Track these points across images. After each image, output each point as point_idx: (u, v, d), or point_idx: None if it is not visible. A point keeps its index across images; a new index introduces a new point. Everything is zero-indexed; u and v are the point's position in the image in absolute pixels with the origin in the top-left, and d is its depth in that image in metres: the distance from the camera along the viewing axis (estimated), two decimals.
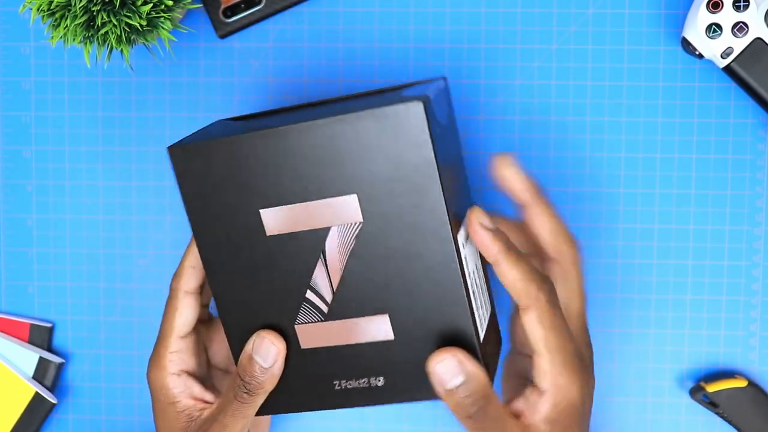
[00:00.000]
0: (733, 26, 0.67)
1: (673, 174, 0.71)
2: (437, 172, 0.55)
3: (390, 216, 0.57)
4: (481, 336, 0.58)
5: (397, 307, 0.58)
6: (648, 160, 0.71)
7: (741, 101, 0.71)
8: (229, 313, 0.61)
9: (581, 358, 0.58)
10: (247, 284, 0.60)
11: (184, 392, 0.63)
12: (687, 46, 0.68)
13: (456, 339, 0.57)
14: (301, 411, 0.61)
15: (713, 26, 0.67)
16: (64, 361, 0.74)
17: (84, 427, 0.74)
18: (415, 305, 0.58)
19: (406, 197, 0.56)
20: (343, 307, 0.59)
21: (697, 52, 0.68)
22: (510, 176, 0.60)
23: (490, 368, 0.59)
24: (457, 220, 0.57)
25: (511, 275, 0.56)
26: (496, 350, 0.62)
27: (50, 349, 0.74)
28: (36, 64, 0.73)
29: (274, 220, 0.59)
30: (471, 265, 0.59)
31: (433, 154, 0.55)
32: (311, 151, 0.57)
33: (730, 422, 0.70)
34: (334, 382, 0.59)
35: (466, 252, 0.58)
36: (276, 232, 0.59)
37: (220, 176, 0.59)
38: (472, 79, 0.72)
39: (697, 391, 0.70)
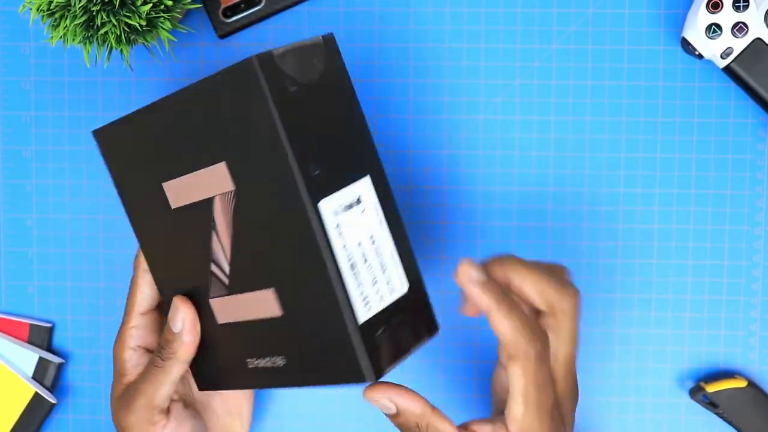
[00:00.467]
0: (733, 26, 0.67)
1: (673, 174, 0.71)
2: (281, 131, 0.51)
3: (255, 182, 0.53)
4: (366, 316, 0.53)
5: (281, 280, 0.54)
6: (648, 160, 0.71)
7: (741, 101, 0.71)
8: (162, 287, 0.63)
9: (558, 416, 0.59)
10: (170, 259, 0.61)
11: (137, 367, 0.64)
12: (687, 46, 0.68)
13: (328, 316, 0.53)
14: (226, 389, 0.61)
15: (713, 26, 0.67)
16: (63, 361, 0.74)
17: (84, 427, 0.74)
18: (295, 278, 0.53)
19: (261, 161, 0.52)
20: (238, 280, 0.57)
21: (696, 52, 0.68)
22: (469, 289, 0.57)
23: (385, 354, 0.54)
24: (328, 183, 0.53)
25: (503, 327, 0.56)
26: (416, 333, 0.57)
27: (50, 349, 0.74)
28: (36, 63, 0.73)
29: (174, 192, 0.58)
30: (352, 237, 0.53)
31: (273, 112, 0.51)
32: (185, 122, 0.55)
33: (729, 422, 0.70)
34: (247, 361, 0.59)
35: (340, 219, 0.53)
36: (178, 205, 0.58)
37: (133, 154, 0.60)
38: (471, 79, 0.72)
39: (696, 391, 0.70)
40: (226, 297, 0.59)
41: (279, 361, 0.57)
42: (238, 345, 0.59)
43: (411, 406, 0.58)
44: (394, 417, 0.58)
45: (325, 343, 0.54)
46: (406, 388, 0.58)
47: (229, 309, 0.59)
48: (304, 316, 0.54)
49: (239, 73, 0.52)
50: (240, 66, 0.51)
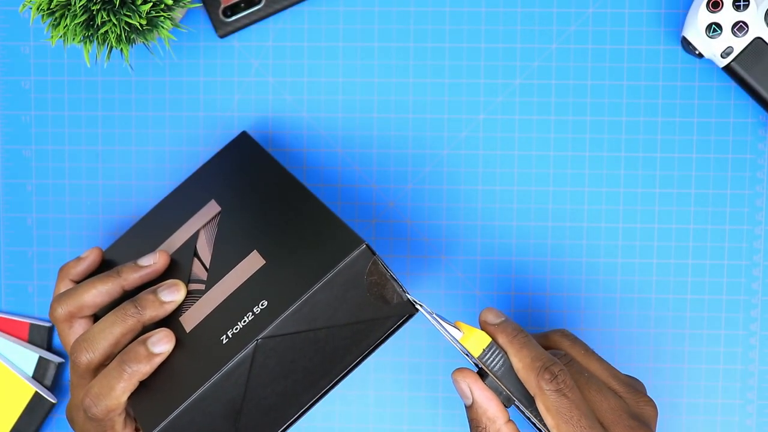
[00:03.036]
0: (733, 26, 0.67)
1: (674, 173, 0.71)
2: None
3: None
4: None
5: (262, 239, 0.61)
6: (648, 160, 0.71)
7: (741, 100, 0.71)
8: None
9: None
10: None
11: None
12: (687, 45, 0.68)
13: (317, 222, 0.61)
14: (201, 387, 0.57)
15: (713, 26, 0.67)
16: (63, 360, 0.74)
17: None
18: (276, 231, 0.62)
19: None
20: (217, 272, 0.62)
21: (697, 52, 0.68)
22: (486, 329, 0.59)
23: None
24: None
25: (515, 364, 0.57)
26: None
27: (50, 349, 0.74)
28: (36, 63, 0.73)
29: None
30: None
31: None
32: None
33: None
34: (221, 338, 0.58)
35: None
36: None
37: None
38: (471, 78, 0.72)
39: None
40: (197, 301, 0.61)
41: (261, 307, 0.58)
42: (208, 333, 0.59)
43: (485, 405, 0.57)
44: (468, 408, 0.58)
45: (315, 247, 0.59)
46: (490, 389, 0.58)
47: (201, 308, 0.61)
48: (286, 249, 0.60)
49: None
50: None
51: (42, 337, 0.73)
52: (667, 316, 0.72)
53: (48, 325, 0.73)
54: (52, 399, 0.72)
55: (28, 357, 0.72)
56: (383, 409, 0.73)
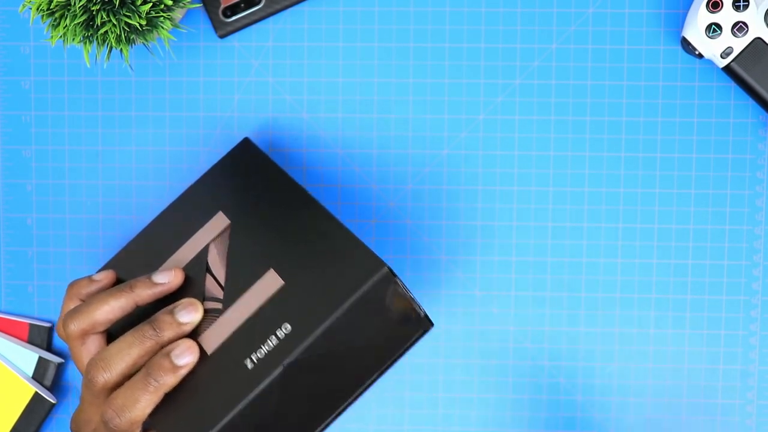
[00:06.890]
0: (733, 26, 0.67)
1: (674, 173, 0.71)
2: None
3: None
4: None
5: (278, 258, 0.61)
6: (648, 160, 0.71)
7: (741, 101, 0.71)
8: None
9: None
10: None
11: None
12: (687, 45, 0.68)
13: (335, 245, 0.61)
14: (231, 412, 0.57)
15: (713, 26, 0.67)
16: (63, 360, 0.74)
17: None
18: (293, 249, 0.61)
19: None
20: (234, 291, 0.61)
21: (696, 52, 0.68)
22: None
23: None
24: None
25: None
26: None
27: (50, 349, 0.74)
28: (36, 63, 0.73)
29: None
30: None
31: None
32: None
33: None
34: (246, 362, 0.58)
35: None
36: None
37: None
38: (472, 78, 0.72)
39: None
40: (215, 322, 0.61)
41: (284, 330, 0.58)
42: (232, 356, 0.59)
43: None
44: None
45: (334, 269, 0.58)
46: None
47: (221, 329, 0.60)
48: (306, 271, 0.60)
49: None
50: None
51: (42, 337, 0.73)
52: (667, 316, 0.72)
53: (48, 325, 0.73)
54: (51, 399, 0.72)
55: (28, 357, 0.72)
56: (384, 409, 0.73)
